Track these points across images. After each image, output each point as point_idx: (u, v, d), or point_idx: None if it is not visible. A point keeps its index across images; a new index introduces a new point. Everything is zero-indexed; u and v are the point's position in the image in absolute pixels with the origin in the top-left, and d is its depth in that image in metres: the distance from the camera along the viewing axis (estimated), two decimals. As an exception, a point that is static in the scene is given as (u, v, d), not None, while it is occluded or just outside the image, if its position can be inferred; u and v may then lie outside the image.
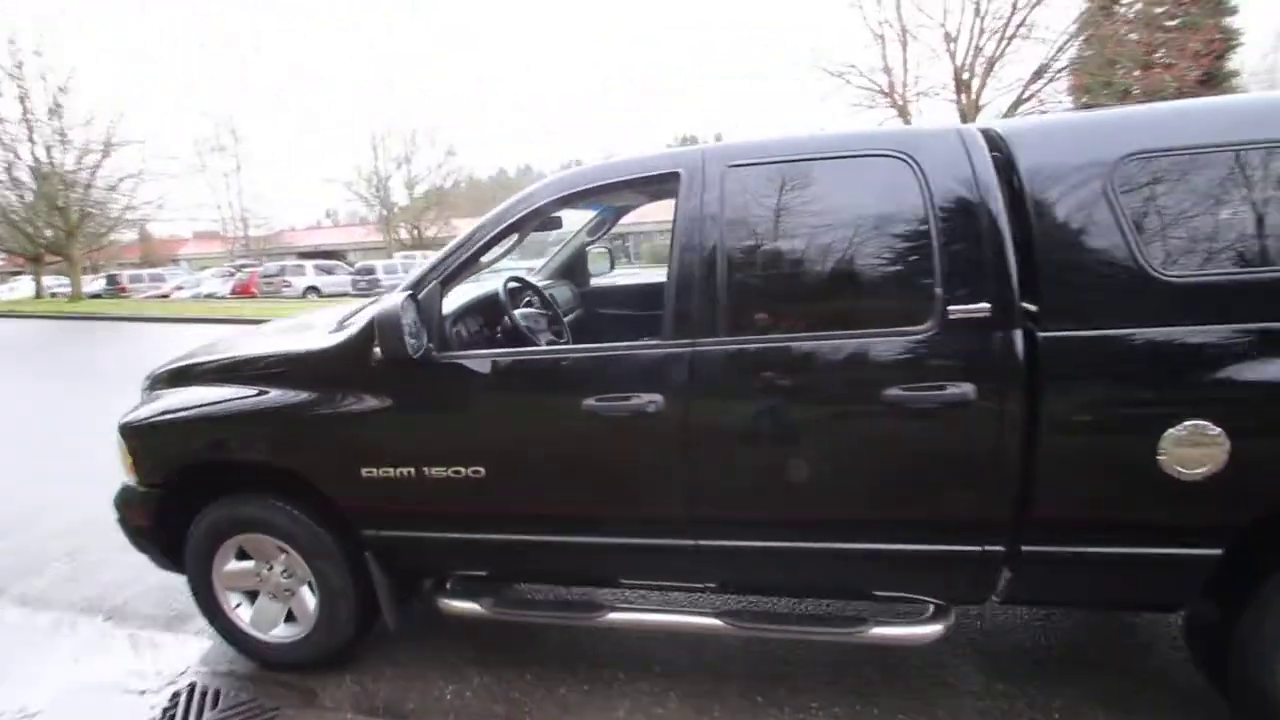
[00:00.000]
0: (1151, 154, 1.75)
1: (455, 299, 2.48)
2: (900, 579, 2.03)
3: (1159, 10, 18.79)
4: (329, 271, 26.32)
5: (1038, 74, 16.99)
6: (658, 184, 2.10)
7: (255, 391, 2.31)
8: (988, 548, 1.87)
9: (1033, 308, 1.79)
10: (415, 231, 40.01)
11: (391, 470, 2.16)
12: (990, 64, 16.84)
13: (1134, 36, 18.16)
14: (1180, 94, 16.46)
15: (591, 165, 2.17)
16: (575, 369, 2.07)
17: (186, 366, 2.57)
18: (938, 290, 1.80)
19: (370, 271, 24.81)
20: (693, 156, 2.03)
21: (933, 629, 1.99)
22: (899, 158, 1.87)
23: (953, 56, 17.07)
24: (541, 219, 2.22)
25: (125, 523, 2.59)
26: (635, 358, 2.01)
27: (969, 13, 16.53)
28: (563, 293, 3.55)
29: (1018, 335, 1.77)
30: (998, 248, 1.79)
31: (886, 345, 1.84)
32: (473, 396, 2.13)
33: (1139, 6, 18.80)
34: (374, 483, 2.18)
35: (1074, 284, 1.77)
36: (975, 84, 17.13)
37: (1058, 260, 1.77)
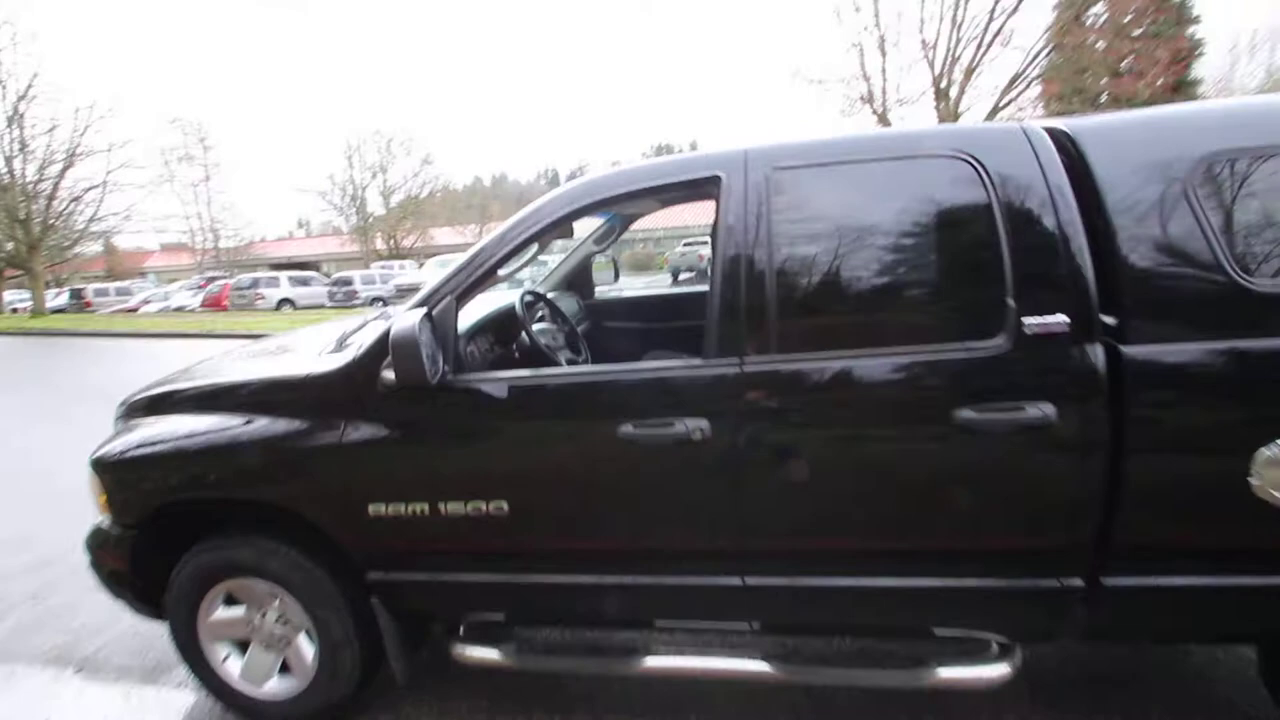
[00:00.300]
0: (1236, 153, 1.62)
1: (466, 315, 2.28)
2: (966, 616, 1.87)
3: (1126, 20, 19.26)
4: (304, 283, 25.67)
5: (1014, 81, 17.26)
6: (694, 188, 1.93)
7: (242, 421, 2.09)
8: (1065, 581, 1.73)
9: (1111, 320, 1.66)
10: (392, 241, 39.50)
11: (402, 507, 1.95)
12: (968, 72, 17.07)
13: (1101, 45, 18.59)
14: (1152, 100, 16.84)
15: (622, 169, 1.99)
16: (609, 392, 1.89)
17: (165, 394, 2.33)
18: (1009, 301, 1.66)
19: (347, 282, 24.25)
20: (734, 158, 1.86)
21: (1000, 669, 1.83)
22: (961, 159, 1.73)
23: (931, 65, 17.29)
24: (565, 227, 2.03)
25: (98, 566, 2.34)
26: (677, 379, 1.83)
27: (946, 21, 16.77)
28: (569, 305, 3.36)
29: (1098, 350, 1.63)
30: (1073, 255, 1.65)
31: (954, 362, 1.69)
32: (494, 424, 1.93)
33: (1106, 16, 19.23)
34: (382, 521, 1.97)
35: (1156, 294, 1.64)
36: (953, 91, 17.35)
37: (1138, 269, 1.64)
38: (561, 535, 1.94)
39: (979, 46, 16.86)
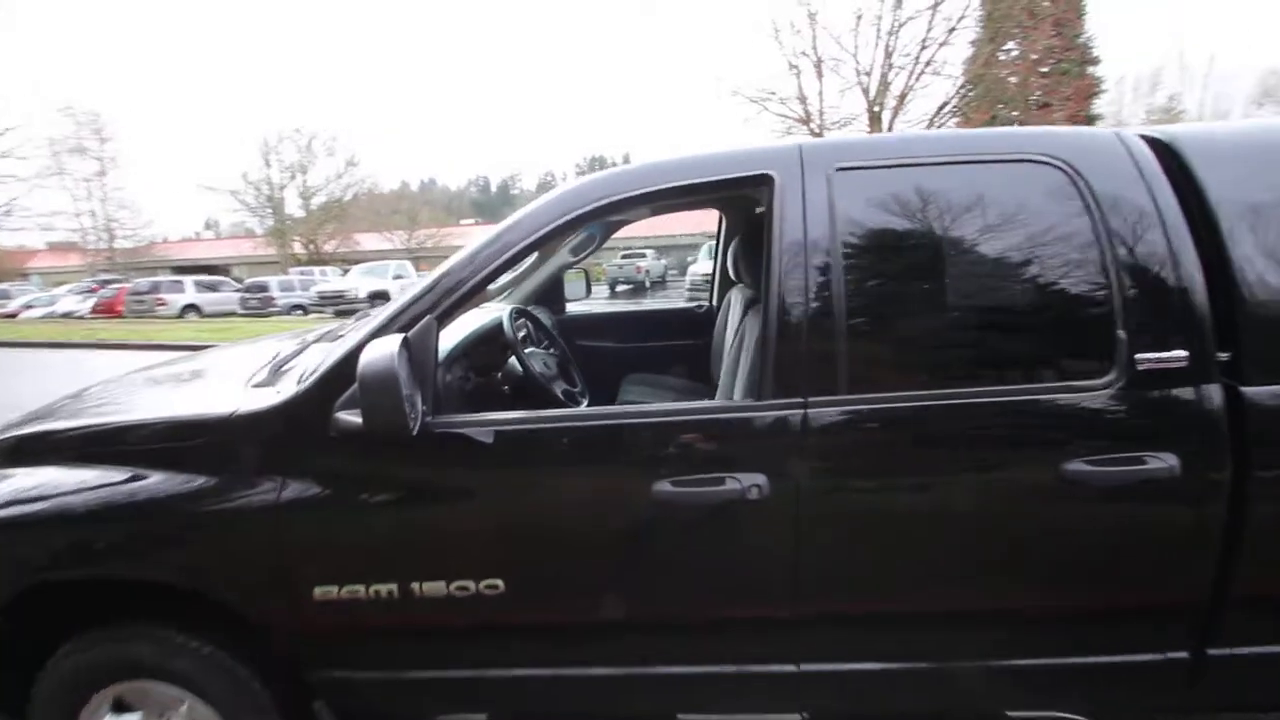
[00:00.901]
0: None
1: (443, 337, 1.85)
2: (1048, 696, 1.61)
3: (1035, 57, 20.62)
4: (212, 288, 23.76)
5: (941, 109, 18.03)
6: (737, 189, 1.61)
7: (143, 474, 1.59)
8: (1169, 654, 1.49)
9: (1224, 356, 1.44)
10: (312, 245, 37.39)
11: (361, 588, 1.51)
12: (901, 98, 17.68)
13: (1014, 80, 19.80)
14: (1067, 132, 17.90)
15: (645, 164, 1.63)
16: (640, 441, 1.51)
17: (37, 435, 1.79)
18: (1120, 334, 1.41)
19: (263, 288, 22.59)
20: (787, 154, 1.55)
21: None
22: (1055, 165, 1.48)
23: (865, 91, 17.80)
24: (572, 232, 1.66)
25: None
26: (726, 423, 1.49)
27: (880, 49, 17.34)
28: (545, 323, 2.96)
29: (1216, 390, 1.40)
30: (1187, 281, 1.42)
31: (1059, 404, 1.42)
32: (488, 481, 1.53)
33: (1016, 53, 20.51)
34: (334, 606, 1.52)
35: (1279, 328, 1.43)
36: (886, 115, 17.92)
37: (1259, 299, 1.42)
38: (571, 620, 1.56)
39: (911, 74, 17.51)
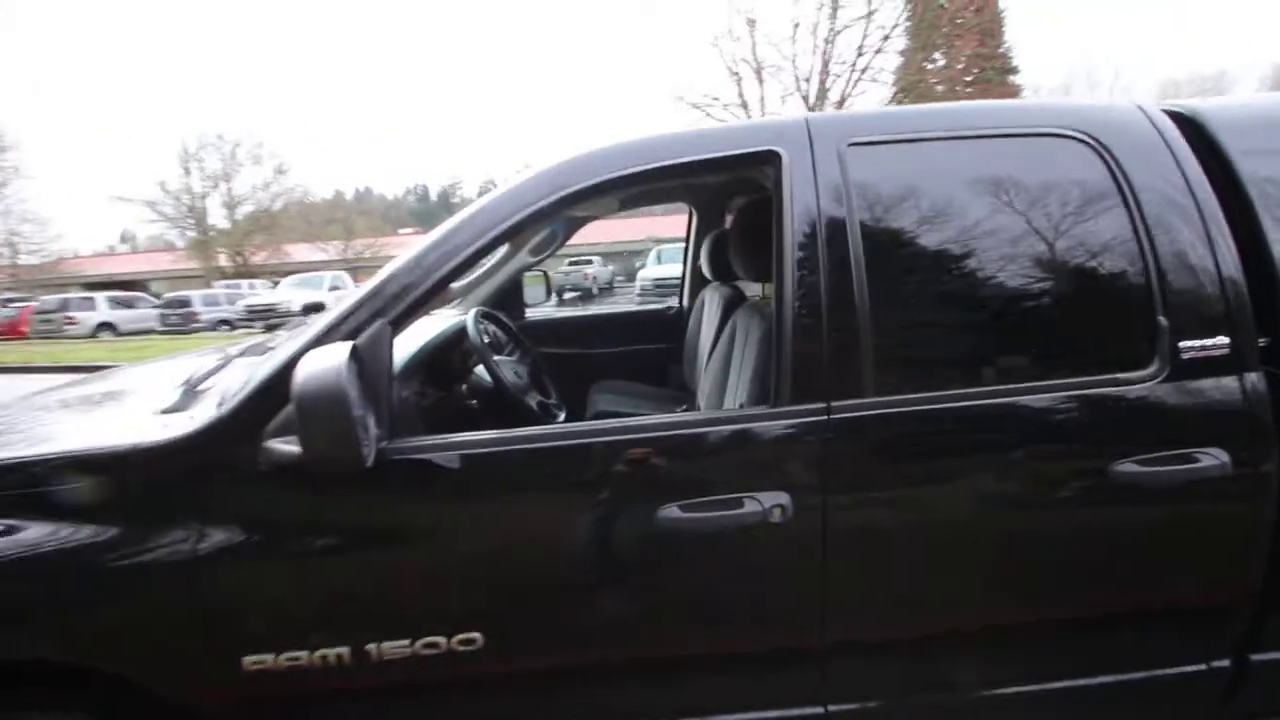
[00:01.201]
0: None
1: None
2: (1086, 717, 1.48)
3: (960, 65, 21.60)
4: (128, 305, 22.20)
5: (878, 115, 18.59)
6: (742, 168, 1.42)
7: (24, 525, 1.27)
8: (1214, 664, 1.39)
9: (1263, 342, 1.34)
10: (239, 258, 35.54)
11: (303, 654, 1.24)
12: (839, 104, 18.09)
13: (941, 87, 20.64)
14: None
15: (632, 141, 1.42)
16: (638, 459, 1.29)
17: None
18: (1161, 320, 1.29)
19: (184, 304, 21.22)
20: (793, 129, 1.37)
21: None
22: (1082, 140, 1.36)
23: (805, 97, 18.14)
24: (549, 220, 1.44)
25: None
26: (740, 435, 1.29)
27: (818, 57, 17.72)
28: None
29: (1258, 378, 1.31)
30: (1224, 262, 1.32)
31: (1104, 399, 1.30)
32: (460, 513, 1.29)
33: (943, 62, 21.45)
34: (268, 677, 1.25)
35: None
36: (825, 122, 18.32)
37: None
38: (561, 674, 1.32)
39: (848, 81, 17.95)
